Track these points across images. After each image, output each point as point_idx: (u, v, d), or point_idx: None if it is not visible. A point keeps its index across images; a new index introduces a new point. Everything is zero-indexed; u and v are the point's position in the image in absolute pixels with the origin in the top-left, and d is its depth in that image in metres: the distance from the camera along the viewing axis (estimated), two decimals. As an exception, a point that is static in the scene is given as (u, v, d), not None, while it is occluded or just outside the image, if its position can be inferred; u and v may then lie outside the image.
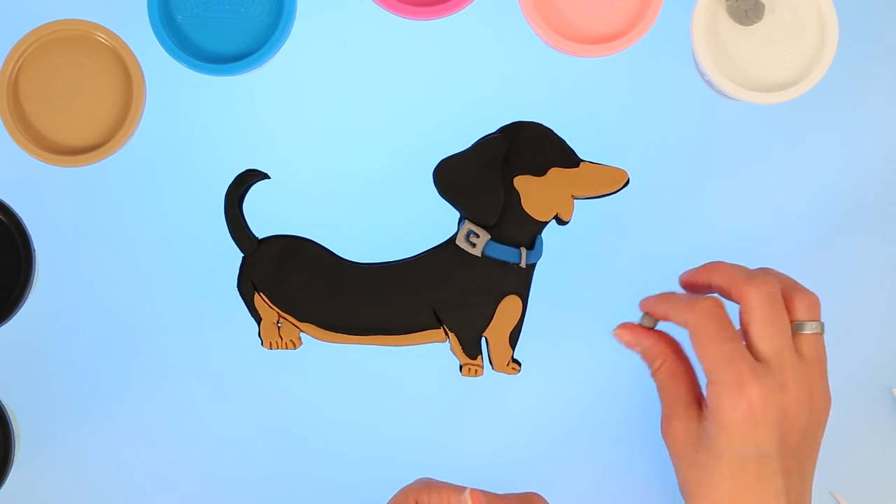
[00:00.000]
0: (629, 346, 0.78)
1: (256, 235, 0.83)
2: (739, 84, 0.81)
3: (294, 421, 0.85)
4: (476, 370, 0.83)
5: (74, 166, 0.81)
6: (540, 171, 0.82)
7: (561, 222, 0.82)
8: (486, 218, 0.81)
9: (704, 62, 0.81)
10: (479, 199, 0.81)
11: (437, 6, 0.81)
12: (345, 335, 0.83)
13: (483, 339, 0.83)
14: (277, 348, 0.83)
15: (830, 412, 0.76)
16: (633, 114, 0.86)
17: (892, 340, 0.87)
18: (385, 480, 0.85)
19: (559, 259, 0.84)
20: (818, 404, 0.74)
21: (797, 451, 0.74)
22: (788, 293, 0.75)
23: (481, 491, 0.75)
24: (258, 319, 0.83)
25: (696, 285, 0.78)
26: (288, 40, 0.83)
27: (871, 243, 0.86)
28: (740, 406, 0.71)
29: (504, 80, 0.85)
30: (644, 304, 0.79)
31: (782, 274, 0.77)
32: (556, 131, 0.82)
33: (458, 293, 0.82)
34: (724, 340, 0.72)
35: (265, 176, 0.83)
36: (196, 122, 0.85)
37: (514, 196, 0.82)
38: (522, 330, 0.82)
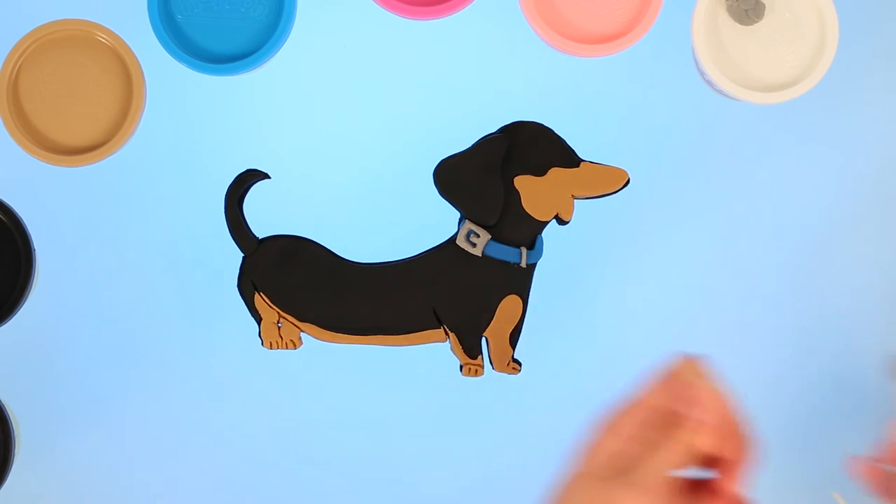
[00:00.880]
0: None
1: (256, 235, 0.83)
2: (739, 84, 0.81)
3: (294, 421, 0.85)
4: (476, 370, 0.83)
5: (74, 166, 0.81)
6: (540, 171, 0.82)
7: (561, 222, 0.82)
8: (487, 218, 0.81)
9: (704, 62, 0.81)
10: (479, 199, 0.81)
11: (437, 6, 0.81)
12: (345, 335, 0.83)
13: (483, 339, 0.83)
14: (277, 348, 0.83)
15: None
16: (633, 114, 0.85)
17: (893, 340, 0.87)
18: (385, 480, 0.85)
19: (559, 259, 0.84)
20: None
21: None
22: None
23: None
24: (258, 319, 0.83)
25: None
26: (288, 40, 0.83)
27: (871, 243, 0.86)
28: None
29: (504, 80, 0.85)
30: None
31: None
32: (556, 131, 0.82)
33: (459, 293, 0.82)
34: None
35: (265, 176, 0.83)
36: (196, 122, 0.85)
37: (514, 196, 0.82)
38: (522, 330, 0.83)
